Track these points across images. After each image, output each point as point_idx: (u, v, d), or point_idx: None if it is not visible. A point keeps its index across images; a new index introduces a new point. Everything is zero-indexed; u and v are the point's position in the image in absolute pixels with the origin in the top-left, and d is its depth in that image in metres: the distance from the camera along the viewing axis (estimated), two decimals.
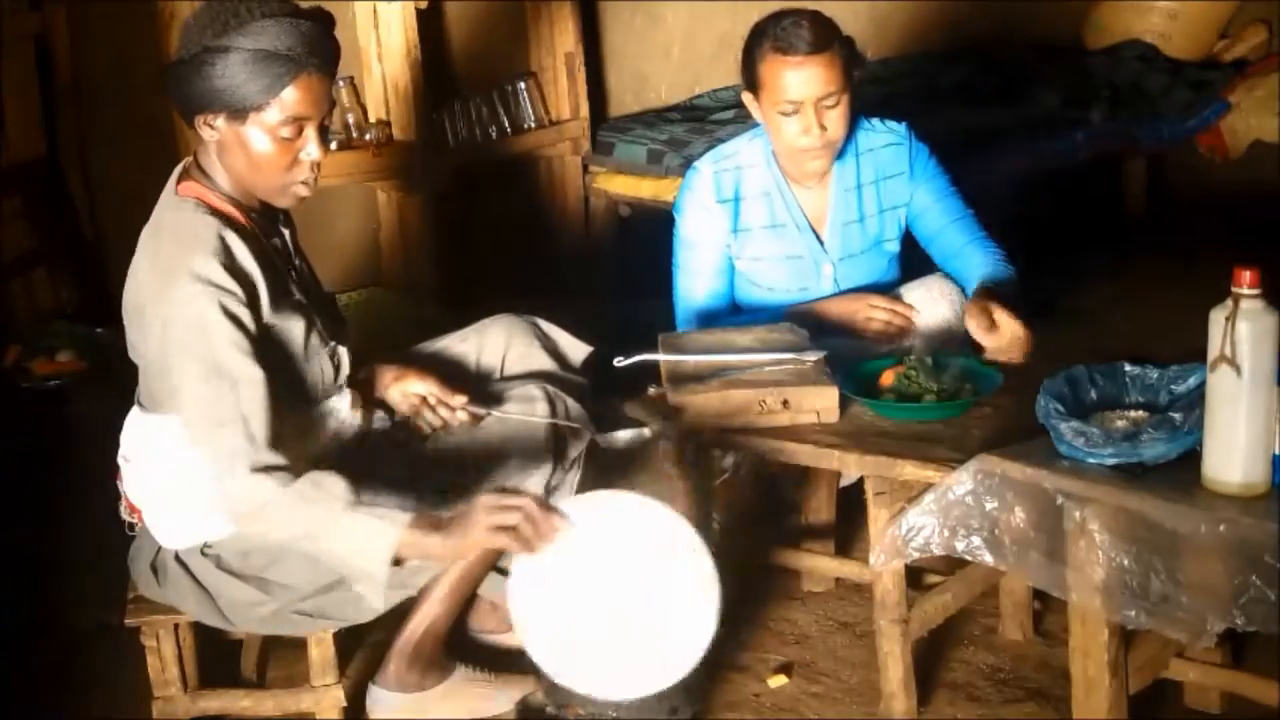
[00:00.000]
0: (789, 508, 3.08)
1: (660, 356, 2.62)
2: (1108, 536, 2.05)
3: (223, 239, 2.22)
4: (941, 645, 2.80)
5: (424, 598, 2.54)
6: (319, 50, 2.23)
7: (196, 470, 2.29)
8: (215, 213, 2.27)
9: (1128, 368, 2.30)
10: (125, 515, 2.48)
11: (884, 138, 2.98)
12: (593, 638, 2.18)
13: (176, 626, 2.45)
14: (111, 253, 4.30)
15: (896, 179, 2.97)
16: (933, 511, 2.22)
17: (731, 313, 3.00)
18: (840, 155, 2.92)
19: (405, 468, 2.42)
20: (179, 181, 2.32)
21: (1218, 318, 1.97)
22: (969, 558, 2.22)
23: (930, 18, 5.70)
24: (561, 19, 4.67)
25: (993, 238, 2.94)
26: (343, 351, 2.46)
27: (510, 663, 2.69)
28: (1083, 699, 2.23)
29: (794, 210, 2.95)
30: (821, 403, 2.46)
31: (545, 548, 2.17)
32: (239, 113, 2.22)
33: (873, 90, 4.88)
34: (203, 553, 2.38)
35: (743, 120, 4.45)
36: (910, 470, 2.30)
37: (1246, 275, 1.95)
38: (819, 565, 2.98)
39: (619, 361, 2.59)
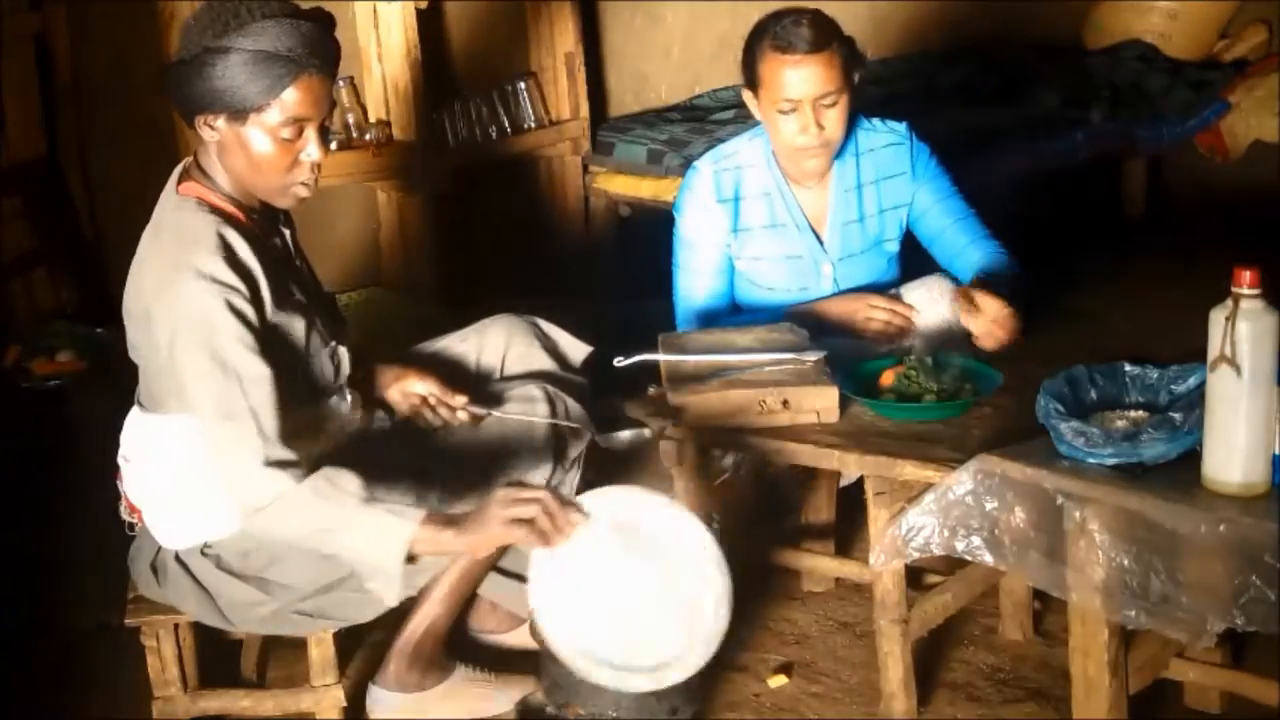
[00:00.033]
0: (789, 508, 3.08)
1: (660, 356, 2.62)
2: (1108, 536, 2.05)
3: (225, 237, 2.22)
4: (941, 645, 2.80)
5: (424, 598, 2.54)
6: (320, 51, 2.23)
7: (198, 470, 2.29)
8: (216, 212, 2.27)
9: (1128, 368, 2.30)
10: (125, 515, 2.48)
11: (884, 138, 2.98)
12: (614, 629, 2.18)
13: (176, 626, 2.45)
14: (111, 253, 4.31)
15: (898, 179, 2.98)
16: (933, 511, 2.23)
17: (731, 313, 3.00)
18: (840, 155, 2.92)
19: (407, 466, 2.42)
20: (179, 182, 2.32)
21: (1218, 318, 1.97)
22: (969, 558, 2.22)
23: (930, 18, 5.70)
24: (561, 19, 4.67)
25: (996, 236, 2.95)
26: (343, 351, 2.46)
27: (510, 663, 2.69)
28: (1083, 699, 2.23)
29: (794, 210, 2.96)
30: (821, 403, 2.46)
31: (561, 541, 2.17)
32: (239, 113, 2.22)
33: (873, 90, 4.88)
34: (203, 553, 2.38)
35: (743, 120, 4.45)
36: (910, 470, 2.30)
37: (1246, 275, 1.95)
38: (819, 565, 2.98)
39: (619, 361, 2.59)
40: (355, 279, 4.37)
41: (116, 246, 4.04)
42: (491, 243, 4.66)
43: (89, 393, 3.83)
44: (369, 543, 2.18)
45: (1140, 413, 2.23)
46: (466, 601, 2.65)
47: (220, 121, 2.24)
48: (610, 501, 2.23)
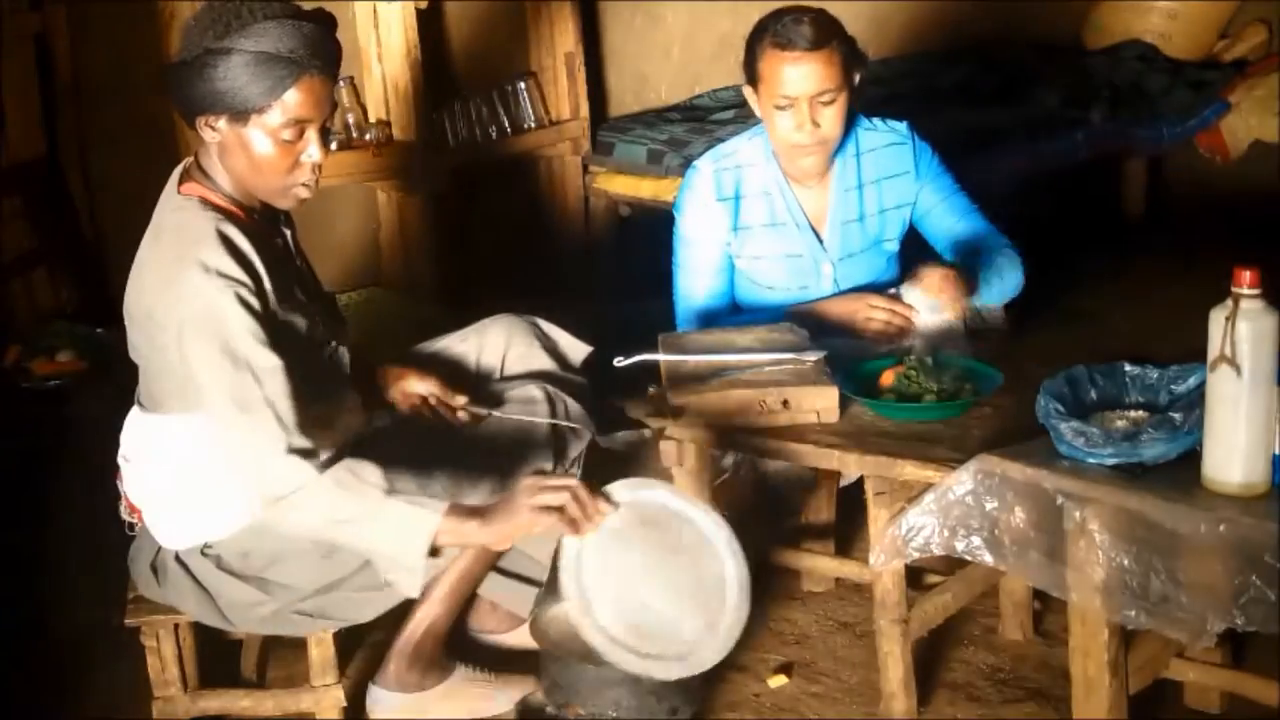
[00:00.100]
0: (789, 508, 3.08)
1: (660, 356, 2.62)
2: (1108, 536, 2.05)
3: (227, 234, 2.22)
4: (941, 645, 2.80)
5: (424, 598, 2.53)
6: (321, 52, 2.23)
7: (198, 470, 2.29)
8: (218, 211, 2.27)
9: (1128, 368, 2.30)
10: (125, 515, 2.48)
11: (885, 137, 2.98)
12: (645, 618, 2.19)
13: (176, 626, 2.45)
14: (111, 253, 4.30)
15: (900, 179, 2.98)
16: (933, 511, 2.23)
17: (731, 312, 3.00)
18: (841, 154, 2.92)
19: (408, 466, 2.42)
20: (180, 182, 2.32)
21: (1218, 318, 1.97)
22: (969, 558, 2.22)
23: (930, 18, 5.70)
24: (561, 19, 4.67)
25: (1002, 232, 2.96)
26: (343, 351, 2.46)
27: (510, 663, 2.69)
28: (1083, 699, 2.23)
29: (794, 209, 2.96)
30: (821, 403, 2.46)
31: (590, 529, 2.17)
32: (240, 114, 2.22)
33: (873, 90, 4.87)
34: (203, 553, 2.38)
35: (743, 120, 4.45)
36: (910, 470, 2.30)
37: (1246, 275, 1.95)
38: (819, 565, 2.98)
39: (619, 361, 2.59)
40: (355, 279, 4.37)
41: (116, 246, 4.04)
42: (491, 243, 4.66)
43: (89, 393, 3.82)
44: (392, 534, 2.18)
45: (1140, 413, 2.22)
46: (466, 601, 2.65)
47: (221, 122, 2.24)
48: (633, 492, 2.24)
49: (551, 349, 2.74)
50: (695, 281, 2.99)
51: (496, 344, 2.73)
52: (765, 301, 2.98)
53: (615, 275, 4.65)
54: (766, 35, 2.79)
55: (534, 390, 2.58)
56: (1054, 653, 2.73)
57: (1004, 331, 2.87)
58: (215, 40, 2.17)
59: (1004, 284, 2.85)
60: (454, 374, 2.66)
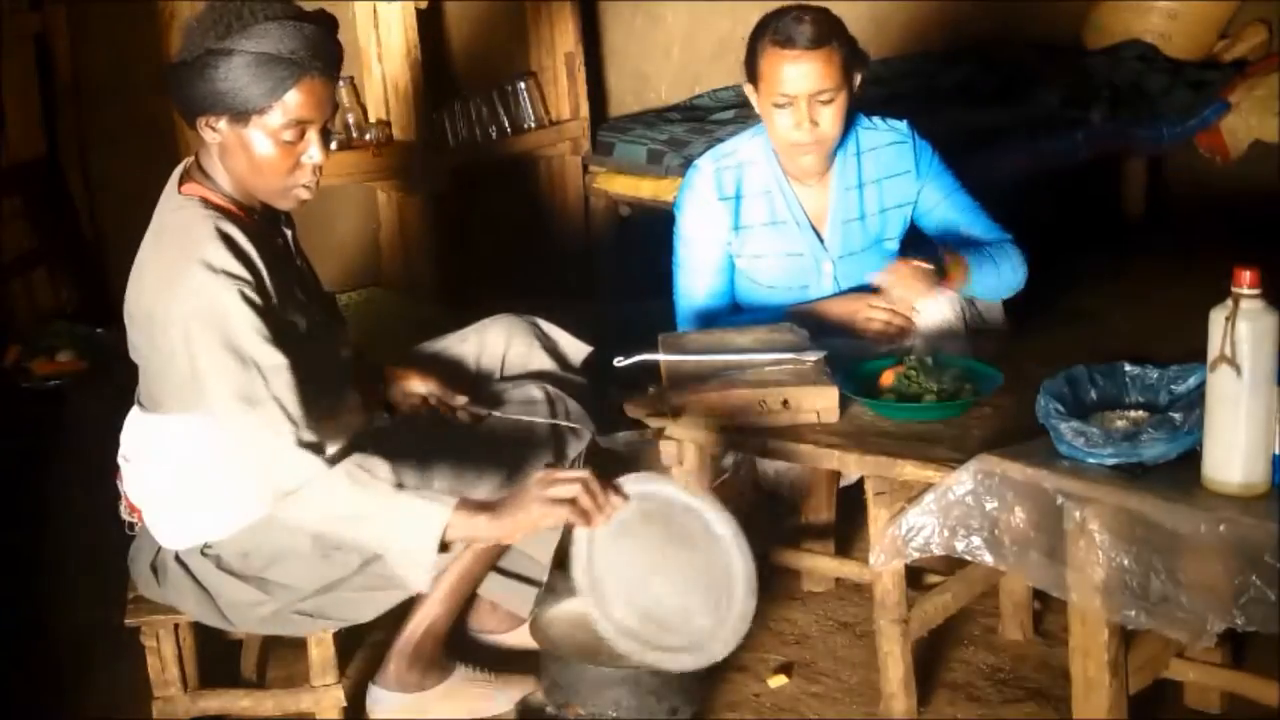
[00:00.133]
0: (789, 508, 3.08)
1: (660, 356, 2.62)
2: (1108, 536, 2.05)
3: (228, 233, 2.22)
4: (941, 645, 2.80)
5: (424, 597, 2.54)
6: (322, 53, 2.23)
7: (198, 470, 2.29)
8: (218, 210, 2.27)
9: (1128, 368, 2.31)
10: (125, 515, 2.48)
11: (886, 136, 2.98)
12: (657, 610, 2.20)
13: (176, 626, 2.45)
14: (111, 253, 4.31)
15: (901, 178, 2.98)
16: (933, 511, 2.23)
17: (732, 311, 3.00)
18: (841, 153, 2.93)
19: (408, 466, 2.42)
20: (181, 182, 2.32)
21: (1218, 318, 1.97)
22: (969, 558, 2.22)
23: (930, 18, 5.70)
24: (561, 19, 4.67)
25: (1003, 229, 2.96)
26: (344, 351, 2.46)
27: (510, 663, 2.69)
28: (1083, 699, 2.23)
29: (794, 208, 2.96)
30: (821, 403, 2.46)
31: (603, 521, 2.17)
32: (241, 115, 2.22)
33: (873, 90, 4.85)
34: (203, 553, 2.37)
35: (743, 120, 4.45)
36: (910, 470, 2.30)
37: (1246, 275, 1.95)
38: (819, 565, 2.98)
39: (619, 361, 2.59)
40: (355, 279, 4.37)
41: (116, 246, 4.04)
42: (491, 243, 4.66)
43: (89, 393, 3.82)
44: (403, 528, 2.17)
45: (1140, 413, 2.23)
46: (466, 601, 2.65)
47: (222, 123, 2.24)
48: (641, 486, 2.24)
49: (551, 349, 2.74)
50: (695, 281, 2.99)
51: (496, 344, 2.73)
52: (765, 300, 2.98)
53: (615, 275, 4.65)
54: (767, 33, 2.80)
55: (534, 390, 2.58)
56: (1054, 653, 2.73)
57: (1004, 331, 2.87)
58: (216, 41, 2.17)
59: (999, 275, 2.85)
60: (454, 374, 2.66)
